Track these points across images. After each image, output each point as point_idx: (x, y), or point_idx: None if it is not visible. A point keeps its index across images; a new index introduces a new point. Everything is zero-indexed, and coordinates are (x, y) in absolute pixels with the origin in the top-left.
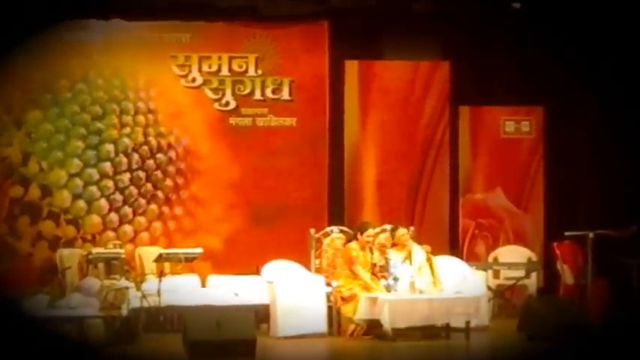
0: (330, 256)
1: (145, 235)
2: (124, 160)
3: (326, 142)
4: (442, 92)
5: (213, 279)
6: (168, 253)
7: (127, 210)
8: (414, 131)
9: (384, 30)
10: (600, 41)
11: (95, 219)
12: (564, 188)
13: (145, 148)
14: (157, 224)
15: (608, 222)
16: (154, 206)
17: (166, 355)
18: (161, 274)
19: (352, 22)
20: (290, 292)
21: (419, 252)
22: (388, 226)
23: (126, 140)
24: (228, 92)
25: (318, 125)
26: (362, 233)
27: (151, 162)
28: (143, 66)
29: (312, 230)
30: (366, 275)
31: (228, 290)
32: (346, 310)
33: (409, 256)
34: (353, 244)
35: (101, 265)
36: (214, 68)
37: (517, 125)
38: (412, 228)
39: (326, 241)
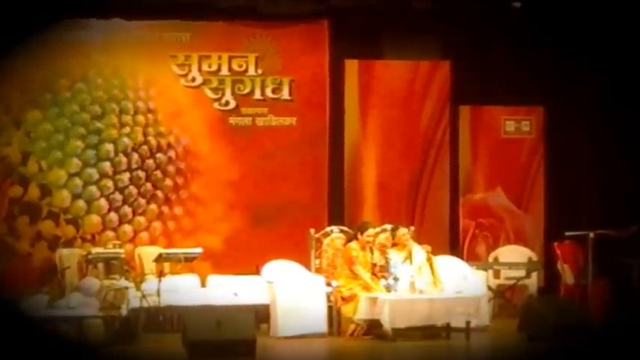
0: (330, 256)
1: (144, 234)
2: (124, 159)
3: (326, 141)
4: (442, 92)
5: (213, 279)
6: (167, 253)
7: (127, 210)
8: (415, 131)
9: (385, 29)
10: (600, 41)
11: (95, 219)
12: (564, 188)
13: (145, 147)
14: (157, 224)
15: (609, 222)
16: (153, 206)
17: (166, 355)
18: (161, 274)
19: (352, 22)
20: (290, 292)
21: (419, 252)
22: (388, 226)
23: (125, 140)
24: (228, 92)
25: (318, 125)
26: (362, 233)
27: (150, 162)
28: (143, 65)
29: (312, 230)
30: (366, 275)
31: (228, 290)
32: (346, 310)
33: (409, 256)
34: (353, 244)
35: (101, 265)
36: (214, 68)
37: (517, 125)
38: (412, 228)
39: (326, 241)
